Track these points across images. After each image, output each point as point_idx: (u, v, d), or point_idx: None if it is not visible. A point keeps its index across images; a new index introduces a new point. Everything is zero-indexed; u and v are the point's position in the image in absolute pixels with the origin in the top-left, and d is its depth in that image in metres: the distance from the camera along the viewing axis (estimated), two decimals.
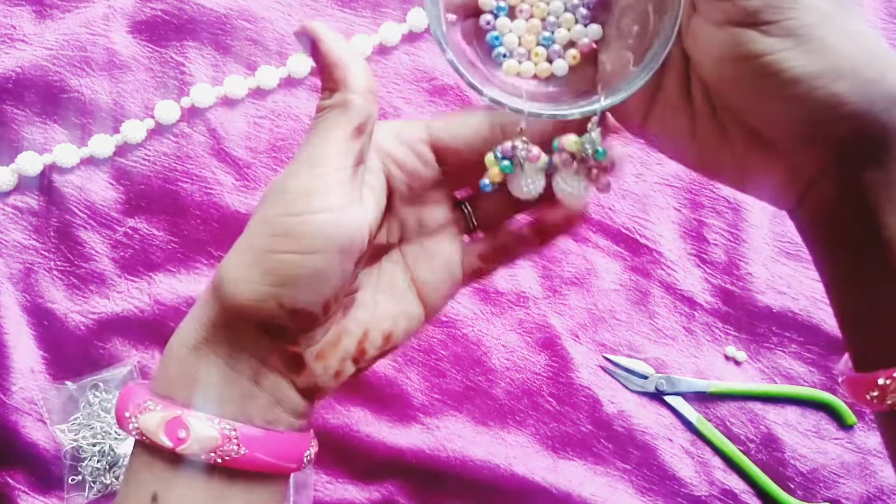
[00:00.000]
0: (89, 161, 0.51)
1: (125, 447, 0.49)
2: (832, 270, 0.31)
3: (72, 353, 0.50)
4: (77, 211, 0.50)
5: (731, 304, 0.52)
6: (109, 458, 0.49)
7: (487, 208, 0.36)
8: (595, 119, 0.31)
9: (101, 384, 0.50)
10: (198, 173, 0.51)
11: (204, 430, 0.30)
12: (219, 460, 0.30)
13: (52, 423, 0.49)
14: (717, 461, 0.51)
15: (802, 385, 0.51)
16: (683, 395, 0.51)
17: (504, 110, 0.31)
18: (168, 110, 0.51)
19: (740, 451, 0.50)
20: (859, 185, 0.28)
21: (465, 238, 0.37)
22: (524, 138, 0.32)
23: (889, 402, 0.29)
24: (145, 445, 0.31)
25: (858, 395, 0.30)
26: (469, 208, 0.36)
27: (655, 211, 0.52)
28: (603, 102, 0.30)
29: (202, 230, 0.51)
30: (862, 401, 0.30)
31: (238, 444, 0.30)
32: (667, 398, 0.51)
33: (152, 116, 0.51)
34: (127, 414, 0.31)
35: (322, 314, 0.31)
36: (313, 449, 0.34)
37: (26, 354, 0.50)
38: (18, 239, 0.50)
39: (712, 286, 0.52)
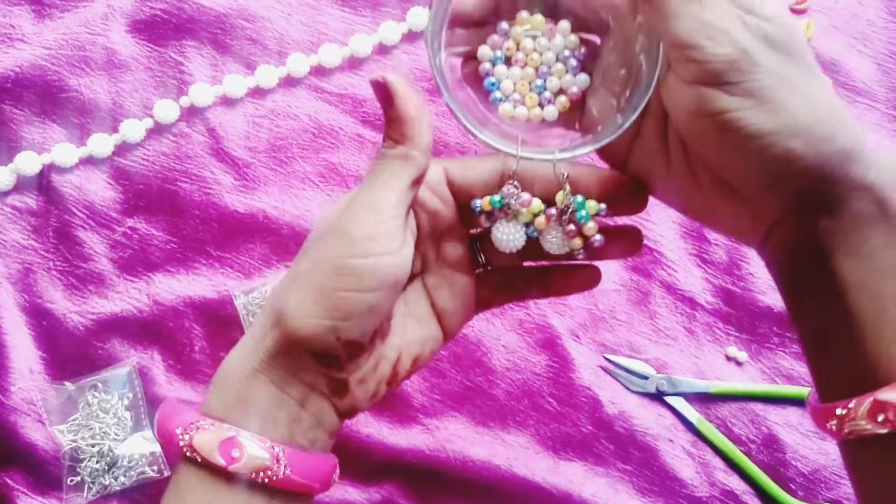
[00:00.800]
0: (88, 161, 0.51)
1: (124, 448, 0.49)
2: (794, 305, 0.34)
3: (70, 354, 0.50)
4: (76, 211, 0.50)
5: (733, 305, 0.52)
6: (108, 458, 0.49)
7: (498, 253, 0.38)
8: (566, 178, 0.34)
9: (100, 384, 0.50)
10: (197, 173, 0.51)
11: (256, 451, 0.32)
12: (265, 480, 0.32)
13: (50, 424, 0.49)
14: (718, 462, 0.50)
15: (804, 385, 0.51)
16: (684, 395, 0.51)
17: (497, 152, 0.34)
18: (167, 110, 0.50)
19: (741, 451, 0.50)
20: (815, 231, 0.31)
21: (479, 270, 0.39)
22: (515, 182, 0.34)
23: (846, 431, 0.31)
24: (192, 462, 0.33)
25: (820, 425, 0.32)
26: (479, 246, 0.39)
27: (656, 211, 0.52)
28: (586, 148, 0.33)
29: (201, 230, 0.51)
30: (824, 430, 0.32)
31: (285, 466, 0.32)
32: (668, 399, 0.51)
33: (151, 116, 0.51)
34: (178, 430, 0.33)
35: (368, 343, 0.35)
36: (337, 469, 0.37)
37: (25, 355, 0.50)
38: (17, 239, 0.50)
39: (713, 286, 0.52)
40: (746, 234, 0.34)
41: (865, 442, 0.31)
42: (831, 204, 0.30)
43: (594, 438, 0.50)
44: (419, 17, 0.52)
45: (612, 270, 0.52)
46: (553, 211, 0.34)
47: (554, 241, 0.35)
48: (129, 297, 0.50)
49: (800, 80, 0.30)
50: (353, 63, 0.53)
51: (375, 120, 0.52)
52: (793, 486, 0.50)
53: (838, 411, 0.31)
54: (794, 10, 0.55)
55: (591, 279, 0.39)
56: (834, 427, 0.31)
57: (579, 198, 0.34)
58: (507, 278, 0.39)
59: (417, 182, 0.34)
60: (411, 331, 0.37)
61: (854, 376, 0.31)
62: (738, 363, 0.52)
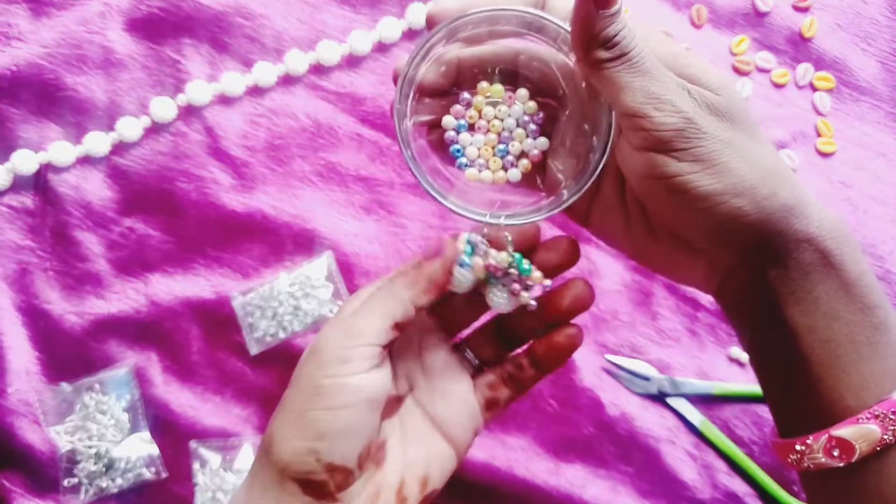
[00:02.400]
0: (85, 160, 0.51)
1: (121, 450, 0.49)
2: (751, 348, 0.36)
3: (67, 355, 0.50)
4: (73, 210, 0.50)
5: None
6: (105, 460, 0.49)
7: (485, 348, 0.41)
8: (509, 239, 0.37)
9: (97, 386, 0.49)
10: (194, 172, 0.50)
11: None
12: None
13: (47, 425, 0.49)
14: (720, 464, 0.50)
15: None
16: (687, 396, 0.51)
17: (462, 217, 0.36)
18: (164, 108, 0.50)
19: (744, 453, 0.50)
20: (765, 280, 0.33)
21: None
22: (483, 236, 0.37)
23: (806, 464, 0.33)
24: None
25: (782, 457, 0.34)
26: (469, 351, 0.40)
27: None
28: (550, 210, 0.36)
29: (199, 230, 0.50)
30: (785, 462, 0.34)
31: None
32: (670, 400, 0.50)
33: (148, 114, 0.50)
34: None
35: (358, 468, 0.35)
36: None
37: (22, 356, 0.49)
38: (14, 239, 0.50)
39: None
40: (702, 283, 0.36)
41: (823, 474, 0.33)
42: (778, 255, 0.33)
43: (596, 440, 0.50)
44: (418, 13, 0.52)
45: (614, 271, 0.52)
46: (496, 264, 0.37)
47: (500, 298, 0.37)
48: (126, 297, 0.50)
49: (742, 144, 0.32)
50: (352, 61, 0.52)
51: (374, 119, 0.52)
52: (795, 489, 0.50)
53: (797, 447, 0.33)
54: (796, 9, 0.54)
55: (573, 337, 0.39)
56: (794, 460, 0.34)
57: (523, 262, 0.37)
58: (502, 373, 0.40)
59: (400, 327, 0.35)
60: (412, 452, 0.38)
61: (810, 414, 0.33)
62: (741, 364, 0.51)
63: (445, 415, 0.39)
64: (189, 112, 0.51)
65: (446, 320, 0.40)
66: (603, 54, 0.31)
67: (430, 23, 0.36)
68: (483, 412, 0.39)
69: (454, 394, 0.39)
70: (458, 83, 0.38)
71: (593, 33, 0.31)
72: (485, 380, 0.40)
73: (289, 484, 0.34)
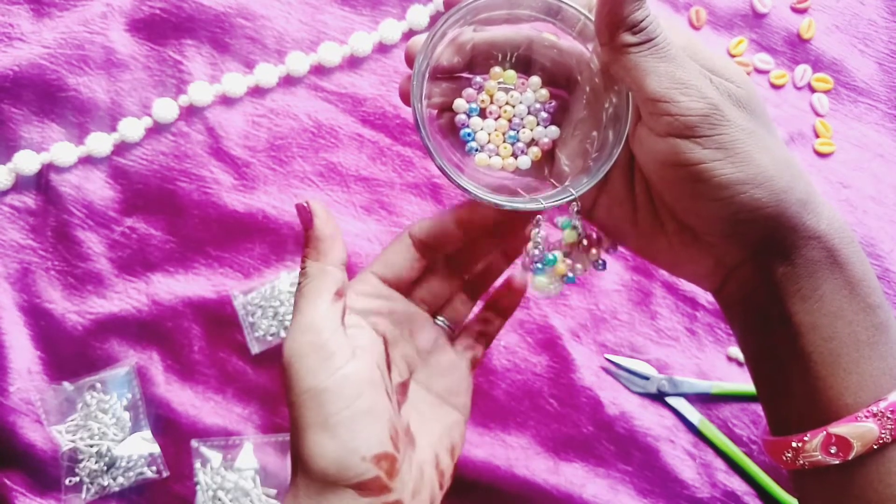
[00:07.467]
0: (87, 160, 0.51)
1: (122, 449, 0.49)
2: (749, 346, 0.36)
3: (69, 354, 0.50)
4: (74, 210, 0.50)
5: None
6: (107, 459, 0.49)
7: (455, 314, 0.43)
8: (542, 223, 0.37)
9: (98, 385, 0.50)
10: (196, 172, 0.51)
11: None
12: None
13: (49, 424, 0.49)
14: (719, 463, 0.50)
15: None
16: (686, 396, 0.51)
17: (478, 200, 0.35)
18: (166, 109, 0.50)
19: (743, 452, 0.50)
20: (771, 276, 0.33)
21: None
22: (539, 237, 0.37)
23: (800, 462, 0.33)
24: None
25: (775, 456, 0.34)
26: (443, 320, 0.42)
27: None
28: (567, 196, 0.35)
29: (200, 229, 0.51)
30: (778, 461, 0.34)
31: None
32: (669, 399, 0.51)
33: (150, 115, 0.51)
34: None
35: (396, 451, 0.35)
36: None
37: (23, 355, 0.49)
38: (16, 238, 0.50)
39: None
40: (706, 278, 0.36)
41: (816, 472, 0.34)
42: (787, 251, 0.33)
43: (595, 439, 0.50)
44: (419, 15, 0.52)
45: (613, 271, 0.52)
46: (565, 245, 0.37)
47: (579, 268, 0.38)
48: (127, 296, 0.50)
49: (762, 136, 0.32)
50: (353, 62, 0.52)
51: (375, 119, 0.52)
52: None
53: (794, 444, 0.33)
54: (795, 10, 0.55)
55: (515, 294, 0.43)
56: (788, 458, 0.34)
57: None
58: (473, 332, 0.43)
59: (339, 294, 0.36)
60: (434, 428, 0.39)
61: (807, 412, 0.34)
62: (740, 364, 0.52)
63: (446, 387, 0.41)
64: (190, 112, 0.51)
65: (431, 296, 0.42)
66: (629, 38, 0.31)
67: (448, 4, 0.35)
68: (472, 370, 0.42)
69: (447, 366, 0.41)
70: (471, 67, 0.37)
71: (620, 17, 0.31)
72: (462, 343, 0.42)
73: (345, 493, 0.34)
